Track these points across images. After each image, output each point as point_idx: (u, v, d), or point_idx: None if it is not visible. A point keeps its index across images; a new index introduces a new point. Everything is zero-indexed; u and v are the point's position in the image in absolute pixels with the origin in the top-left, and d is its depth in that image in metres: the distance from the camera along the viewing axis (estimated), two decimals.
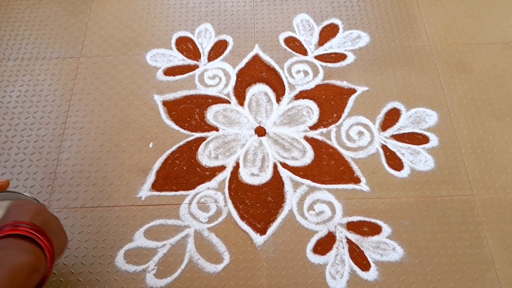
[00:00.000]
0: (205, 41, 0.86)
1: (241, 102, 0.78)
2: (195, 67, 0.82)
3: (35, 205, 0.50)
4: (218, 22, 0.88)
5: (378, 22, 0.88)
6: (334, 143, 0.74)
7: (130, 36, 0.87)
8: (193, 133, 0.75)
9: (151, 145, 0.74)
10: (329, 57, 0.83)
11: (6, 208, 0.51)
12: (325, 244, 0.65)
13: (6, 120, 0.77)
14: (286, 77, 0.81)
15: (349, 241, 0.65)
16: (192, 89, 0.80)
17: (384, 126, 0.75)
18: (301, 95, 0.79)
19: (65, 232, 0.52)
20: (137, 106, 0.78)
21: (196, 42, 0.86)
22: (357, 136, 0.74)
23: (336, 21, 0.88)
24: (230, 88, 0.80)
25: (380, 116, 0.76)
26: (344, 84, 0.80)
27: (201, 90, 0.80)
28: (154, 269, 0.63)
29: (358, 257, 0.64)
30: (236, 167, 0.72)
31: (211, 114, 0.77)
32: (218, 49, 0.85)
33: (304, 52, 0.84)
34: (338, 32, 0.86)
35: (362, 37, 0.86)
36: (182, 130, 0.75)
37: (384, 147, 0.73)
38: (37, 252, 0.45)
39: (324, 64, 0.82)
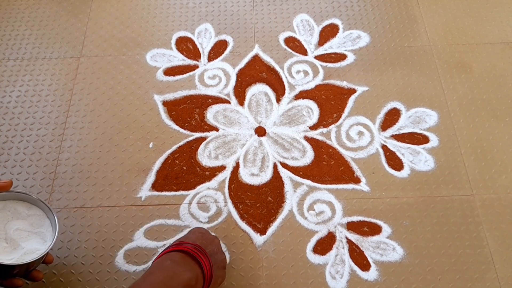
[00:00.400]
0: (205, 41, 0.86)
1: (241, 102, 0.78)
2: (195, 67, 0.83)
3: (208, 235, 0.57)
4: (218, 22, 0.88)
5: (378, 22, 0.88)
6: (334, 143, 0.74)
7: (130, 36, 0.87)
8: (193, 133, 0.75)
9: (151, 145, 0.74)
10: (329, 57, 0.83)
11: (31, 207, 0.56)
12: (325, 244, 0.65)
13: (6, 120, 0.77)
14: (286, 77, 0.81)
15: (349, 241, 0.65)
16: (192, 89, 0.80)
17: (384, 126, 0.75)
18: (301, 95, 0.79)
19: (224, 269, 0.57)
20: (137, 106, 0.78)
21: (196, 42, 0.86)
22: (357, 136, 0.74)
23: (336, 21, 0.88)
24: (230, 88, 0.80)
25: (380, 116, 0.76)
26: (344, 84, 0.80)
27: (201, 90, 0.80)
28: None
29: (358, 257, 0.64)
30: (236, 167, 0.72)
31: (211, 114, 0.77)
32: (218, 49, 0.85)
33: (304, 52, 0.84)
34: (338, 32, 0.87)
35: (362, 37, 0.86)
36: (182, 130, 0.75)
37: (384, 147, 0.73)
38: (195, 269, 0.50)
39: (324, 64, 0.82)
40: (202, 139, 0.75)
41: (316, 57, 0.83)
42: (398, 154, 0.73)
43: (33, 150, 0.74)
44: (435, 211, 0.67)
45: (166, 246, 0.55)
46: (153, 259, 0.52)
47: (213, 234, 0.58)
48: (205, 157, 0.73)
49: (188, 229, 0.66)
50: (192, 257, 0.50)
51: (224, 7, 0.90)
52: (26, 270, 0.53)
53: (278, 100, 0.78)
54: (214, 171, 0.71)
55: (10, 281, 0.52)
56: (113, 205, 0.69)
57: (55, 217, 0.55)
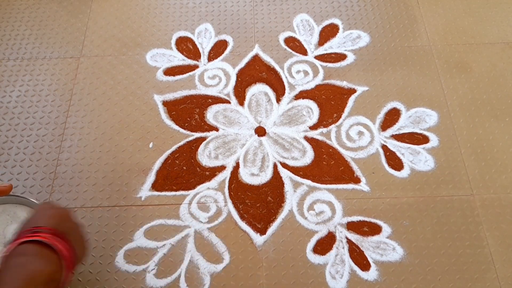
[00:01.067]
0: (205, 41, 0.86)
1: (241, 102, 0.78)
2: (195, 67, 0.82)
3: (59, 210, 0.49)
4: (218, 22, 0.88)
5: (378, 22, 0.88)
6: (334, 143, 0.74)
7: (130, 36, 0.87)
8: (193, 133, 0.75)
9: (151, 145, 0.74)
10: (329, 57, 0.83)
11: (31, 211, 0.53)
12: (325, 244, 0.65)
13: (6, 120, 0.77)
14: (286, 77, 0.81)
15: (349, 241, 0.65)
16: (192, 89, 0.80)
17: (384, 126, 0.75)
18: (301, 95, 0.79)
19: (87, 241, 0.51)
20: (137, 106, 0.78)
21: (196, 42, 0.86)
22: (357, 136, 0.74)
23: (336, 21, 0.88)
24: (230, 88, 0.80)
25: (380, 116, 0.76)
26: (344, 84, 0.80)
27: (201, 90, 0.80)
28: (154, 269, 0.63)
29: (358, 257, 0.64)
30: (236, 167, 0.72)
31: (211, 114, 0.77)
32: (218, 49, 0.85)
33: (304, 52, 0.84)
34: (338, 32, 0.86)
35: (362, 37, 0.86)
36: (182, 130, 0.75)
37: (384, 147, 0.73)
38: (55, 260, 0.44)
39: (324, 64, 0.82)
40: (202, 139, 0.74)
41: (316, 57, 0.83)
42: (398, 154, 0.73)
43: (33, 150, 0.74)
44: (435, 211, 0.67)
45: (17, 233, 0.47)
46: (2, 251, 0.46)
47: (31, 201, 0.54)
48: (205, 157, 0.73)
49: (188, 229, 0.66)
50: (48, 246, 0.44)
51: (224, 7, 0.90)
52: None
53: (278, 100, 0.78)
54: (214, 171, 0.71)
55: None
56: (113, 205, 0.69)
57: None
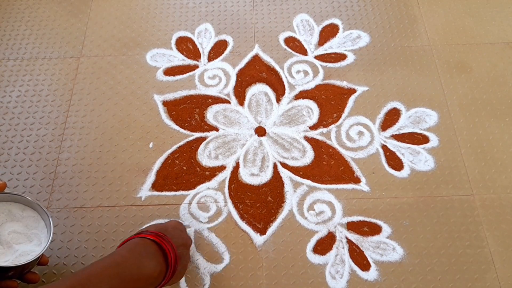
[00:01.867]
0: (205, 41, 0.86)
1: (241, 102, 0.78)
2: (195, 67, 0.82)
3: (186, 237, 0.57)
4: (218, 22, 0.88)
5: (378, 22, 0.88)
6: (334, 143, 0.74)
7: (130, 36, 0.87)
8: (193, 133, 0.75)
9: (151, 145, 0.74)
10: (329, 57, 0.83)
11: (25, 208, 0.55)
12: (325, 244, 0.65)
13: (6, 120, 0.77)
14: (286, 77, 0.81)
15: (349, 241, 0.65)
16: (192, 89, 0.80)
17: (384, 126, 0.75)
18: (301, 95, 0.79)
19: (187, 265, 0.58)
20: (137, 106, 0.78)
21: (196, 42, 0.86)
22: (357, 136, 0.74)
23: (336, 21, 0.88)
24: (230, 88, 0.80)
25: (380, 116, 0.76)
26: (344, 84, 0.80)
27: (201, 90, 0.80)
28: None
29: (358, 257, 0.64)
30: (236, 167, 0.72)
31: (211, 114, 0.77)
32: (218, 49, 0.85)
33: (304, 52, 0.84)
34: (338, 32, 0.87)
35: (362, 37, 0.86)
36: (182, 130, 0.75)
37: (384, 147, 0.73)
38: (163, 268, 0.50)
39: (324, 64, 0.82)
40: (202, 139, 0.74)
41: (316, 57, 0.83)
42: (398, 154, 0.73)
43: (33, 150, 0.74)
44: (435, 211, 0.67)
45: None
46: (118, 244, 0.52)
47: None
48: (205, 157, 0.73)
49: (188, 229, 0.66)
50: (161, 249, 0.51)
51: (224, 7, 0.90)
52: (21, 272, 0.53)
53: (278, 100, 0.78)
54: (214, 171, 0.71)
55: (5, 283, 0.52)
56: (113, 205, 0.69)
57: (50, 218, 0.55)
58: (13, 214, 0.55)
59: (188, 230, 0.66)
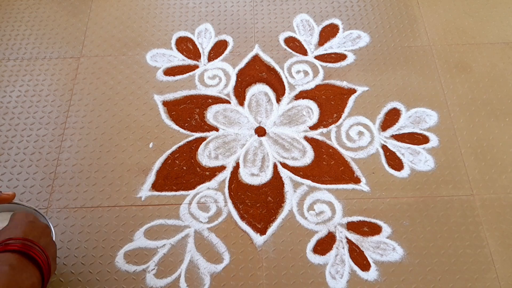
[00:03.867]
0: (205, 41, 0.86)
1: (241, 102, 0.78)
2: (195, 67, 0.82)
3: (39, 224, 0.49)
4: (218, 22, 0.88)
5: (378, 22, 0.88)
6: (334, 143, 0.74)
7: (130, 36, 0.87)
8: (193, 133, 0.75)
9: (151, 145, 0.74)
10: (329, 57, 0.83)
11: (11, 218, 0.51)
12: (325, 244, 0.65)
13: (6, 120, 0.77)
14: (286, 77, 0.81)
15: (349, 241, 0.65)
16: (192, 89, 0.80)
17: (384, 126, 0.75)
18: (301, 95, 0.79)
19: (56, 262, 0.51)
20: (137, 106, 0.78)
21: (196, 42, 0.86)
22: (357, 136, 0.74)
23: (336, 21, 0.88)
24: (230, 88, 0.80)
25: (380, 116, 0.76)
26: (344, 84, 0.80)
27: (201, 90, 0.80)
28: (154, 269, 0.63)
29: (358, 257, 0.64)
30: (236, 167, 0.72)
31: (211, 114, 0.77)
32: (218, 49, 0.85)
33: (304, 52, 0.84)
34: (338, 32, 0.87)
35: (362, 37, 0.86)
36: (182, 130, 0.75)
37: (384, 147, 0.73)
38: (36, 273, 0.44)
39: (324, 64, 0.82)
40: (202, 139, 0.74)
41: (316, 57, 0.83)
42: (398, 154, 0.73)
43: (33, 150, 0.74)
44: (435, 211, 0.67)
45: None
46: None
47: (31, 210, 0.53)
48: (205, 157, 0.73)
49: (188, 229, 0.66)
50: (30, 257, 0.44)
51: (224, 7, 0.90)
52: None
53: (278, 100, 0.78)
54: (214, 171, 0.71)
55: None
56: (113, 205, 0.69)
57: (52, 229, 0.55)
58: None
59: (188, 230, 0.66)
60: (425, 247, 0.64)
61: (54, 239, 0.52)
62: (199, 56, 0.84)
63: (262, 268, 0.63)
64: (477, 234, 0.65)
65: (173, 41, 0.86)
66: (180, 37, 0.86)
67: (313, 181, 0.70)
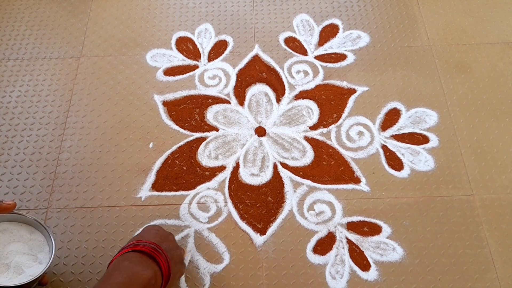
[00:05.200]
0: (205, 41, 0.86)
1: (241, 102, 0.78)
2: (195, 67, 0.83)
3: (163, 231, 0.56)
4: (218, 22, 0.88)
5: (378, 22, 0.88)
6: (334, 143, 0.74)
7: (130, 36, 0.87)
8: (193, 133, 0.75)
9: (151, 145, 0.74)
10: (329, 57, 0.83)
11: (34, 231, 0.57)
12: (325, 244, 0.65)
13: (6, 120, 0.77)
14: (286, 77, 0.81)
15: (349, 241, 0.65)
16: (192, 89, 0.80)
17: (384, 126, 0.75)
18: (301, 95, 0.79)
19: (184, 264, 0.57)
20: (137, 106, 0.78)
21: (196, 42, 0.86)
22: (357, 136, 0.74)
23: (336, 21, 0.88)
24: (230, 88, 0.80)
25: (380, 116, 0.76)
26: (344, 84, 0.80)
27: (201, 90, 0.80)
28: None
29: (358, 257, 0.64)
30: (236, 167, 0.72)
31: (211, 114, 0.77)
32: (218, 49, 0.85)
33: (304, 52, 0.84)
34: (338, 32, 0.87)
35: (362, 37, 0.86)
36: (182, 130, 0.75)
37: (384, 147, 0.73)
38: (154, 268, 0.50)
39: (324, 64, 0.82)
40: (202, 139, 0.75)
41: (316, 57, 0.83)
42: (398, 154, 0.73)
43: (33, 150, 0.74)
44: (435, 211, 0.67)
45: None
46: (109, 261, 0.51)
47: (167, 230, 0.58)
48: (205, 157, 0.73)
49: (188, 229, 0.66)
50: (150, 256, 0.50)
51: (224, 7, 0.90)
52: None
53: (278, 100, 0.78)
54: (214, 171, 0.71)
55: None
56: (113, 205, 0.69)
57: (53, 241, 0.56)
58: (21, 235, 0.57)
59: (188, 230, 0.66)
60: (425, 247, 0.64)
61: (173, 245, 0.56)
62: (199, 56, 0.84)
63: (262, 268, 0.63)
64: (477, 234, 0.65)
65: (173, 41, 0.86)
66: (180, 37, 0.86)
67: (313, 181, 0.70)
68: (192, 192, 0.69)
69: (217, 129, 0.75)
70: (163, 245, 0.53)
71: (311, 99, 0.78)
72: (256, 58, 0.84)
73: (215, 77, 0.81)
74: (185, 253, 0.59)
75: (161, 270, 0.50)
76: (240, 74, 0.81)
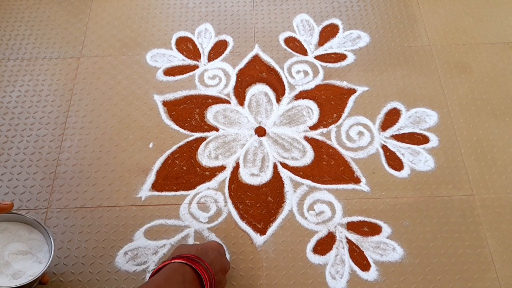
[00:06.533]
0: (205, 41, 0.86)
1: (241, 102, 0.78)
2: (195, 67, 0.83)
3: (221, 250, 0.57)
4: (218, 22, 0.88)
5: (378, 22, 0.88)
6: (334, 143, 0.74)
7: (130, 36, 0.87)
8: (193, 133, 0.75)
9: (151, 145, 0.74)
10: (329, 57, 0.83)
11: (33, 230, 0.57)
12: (325, 244, 0.65)
13: (6, 120, 0.77)
14: (286, 77, 0.81)
15: (349, 241, 0.65)
16: (192, 89, 0.80)
17: (384, 126, 0.75)
18: (301, 95, 0.79)
19: (226, 278, 0.57)
20: (137, 106, 0.78)
21: (196, 42, 0.86)
22: (357, 136, 0.74)
23: (336, 21, 0.88)
24: (230, 88, 0.80)
25: (380, 116, 0.76)
26: (344, 84, 0.80)
27: (201, 90, 0.80)
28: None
29: (358, 257, 0.64)
30: (236, 167, 0.72)
31: (211, 114, 0.77)
32: (218, 49, 0.85)
33: (304, 52, 0.84)
34: (338, 32, 0.87)
35: (362, 37, 0.86)
36: (182, 130, 0.75)
37: (384, 147, 0.73)
38: (192, 275, 0.49)
39: (324, 64, 0.82)
40: (202, 139, 0.75)
41: (316, 57, 0.83)
42: (398, 154, 0.73)
43: (33, 150, 0.74)
44: (435, 211, 0.67)
45: (168, 255, 0.54)
46: (153, 268, 0.52)
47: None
48: (205, 157, 0.73)
49: (188, 229, 0.66)
50: (198, 275, 0.50)
51: (224, 7, 0.90)
52: None
53: (278, 100, 0.78)
54: (214, 171, 0.71)
55: None
56: (113, 205, 0.69)
57: (52, 240, 0.56)
58: (20, 235, 0.57)
59: (188, 230, 0.66)
60: (425, 247, 0.64)
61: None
62: (199, 56, 0.84)
63: (262, 268, 0.63)
64: (477, 234, 0.65)
65: (173, 41, 0.86)
66: (180, 37, 0.86)
67: (313, 181, 0.70)
68: (192, 192, 0.69)
69: (217, 129, 0.75)
70: (208, 257, 0.53)
71: (311, 99, 0.78)
72: (256, 58, 0.83)
73: (215, 77, 0.81)
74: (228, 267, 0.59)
75: (201, 279, 0.50)
76: (240, 74, 0.81)
